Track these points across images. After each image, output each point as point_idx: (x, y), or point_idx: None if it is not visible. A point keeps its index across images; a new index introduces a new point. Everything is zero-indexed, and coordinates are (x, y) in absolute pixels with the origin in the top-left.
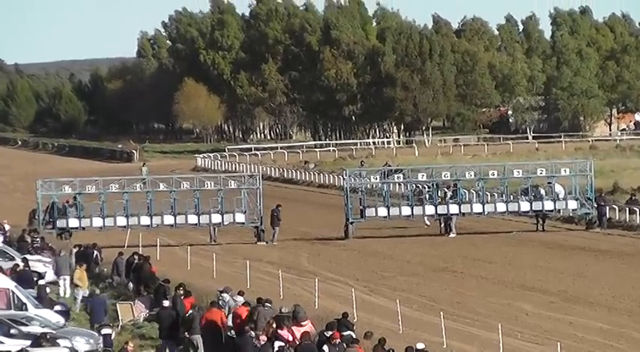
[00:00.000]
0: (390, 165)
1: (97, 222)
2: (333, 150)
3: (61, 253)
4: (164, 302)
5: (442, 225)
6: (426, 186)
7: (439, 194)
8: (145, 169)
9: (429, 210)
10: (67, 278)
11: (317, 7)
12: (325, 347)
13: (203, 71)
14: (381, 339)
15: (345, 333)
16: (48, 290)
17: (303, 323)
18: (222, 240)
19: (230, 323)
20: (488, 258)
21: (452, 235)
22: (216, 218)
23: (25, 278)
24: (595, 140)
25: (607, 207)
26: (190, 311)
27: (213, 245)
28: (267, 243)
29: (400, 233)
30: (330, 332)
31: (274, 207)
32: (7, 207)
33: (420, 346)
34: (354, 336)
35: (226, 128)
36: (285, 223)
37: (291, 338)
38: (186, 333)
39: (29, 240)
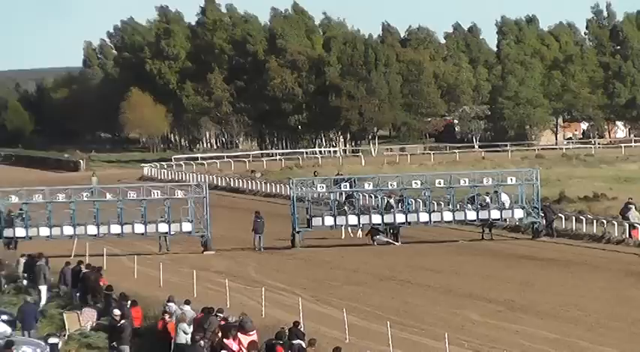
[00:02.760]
0: (341, 175)
1: (44, 231)
2: (280, 159)
3: (38, 261)
4: (115, 311)
5: (391, 234)
6: (372, 195)
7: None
8: (94, 179)
9: (375, 219)
10: (44, 288)
11: (263, 17)
12: None
13: (149, 81)
14: (335, 349)
15: (294, 342)
16: None
17: (250, 333)
18: (171, 249)
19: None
20: (434, 266)
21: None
22: (163, 227)
23: None
24: (541, 149)
25: (555, 216)
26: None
27: (160, 254)
28: (259, 250)
29: (347, 242)
30: (280, 342)
31: (256, 215)
32: None
33: None
34: (304, 345)
35: (173, 137)
36: (232, 232)
37: (236, 348)
38: (114, 343)
39: None
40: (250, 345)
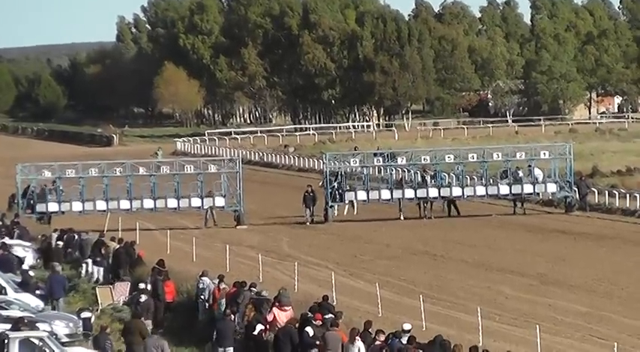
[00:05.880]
0: (380, 150)
1: (77, 206)
2: (313, 134)
3: (82, 235)
4: (140, 284)
5: (445, 207)
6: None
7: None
8: (160, 153)
9: (409, 193)
10: (89, 261)
11: None
12: (308, 328)
13: (183, 55)
14: (366, 322)
15: (326, 316)
16: (32, 273)
17: (285, 308)
18: (201, 224)
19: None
20: (467, 241)
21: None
22: (196, 202)
23: (4, 262)
24: (574, 123)
25: (588, 190)
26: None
27: (194, 229)
28: (309, 223)
29: (379, 216)
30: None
31: (309, 190)
32: None
33: (407, 327)
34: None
35: (206, 112)
36: (265, 207)
37: (270, 319)
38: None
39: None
40: (289, 322)
